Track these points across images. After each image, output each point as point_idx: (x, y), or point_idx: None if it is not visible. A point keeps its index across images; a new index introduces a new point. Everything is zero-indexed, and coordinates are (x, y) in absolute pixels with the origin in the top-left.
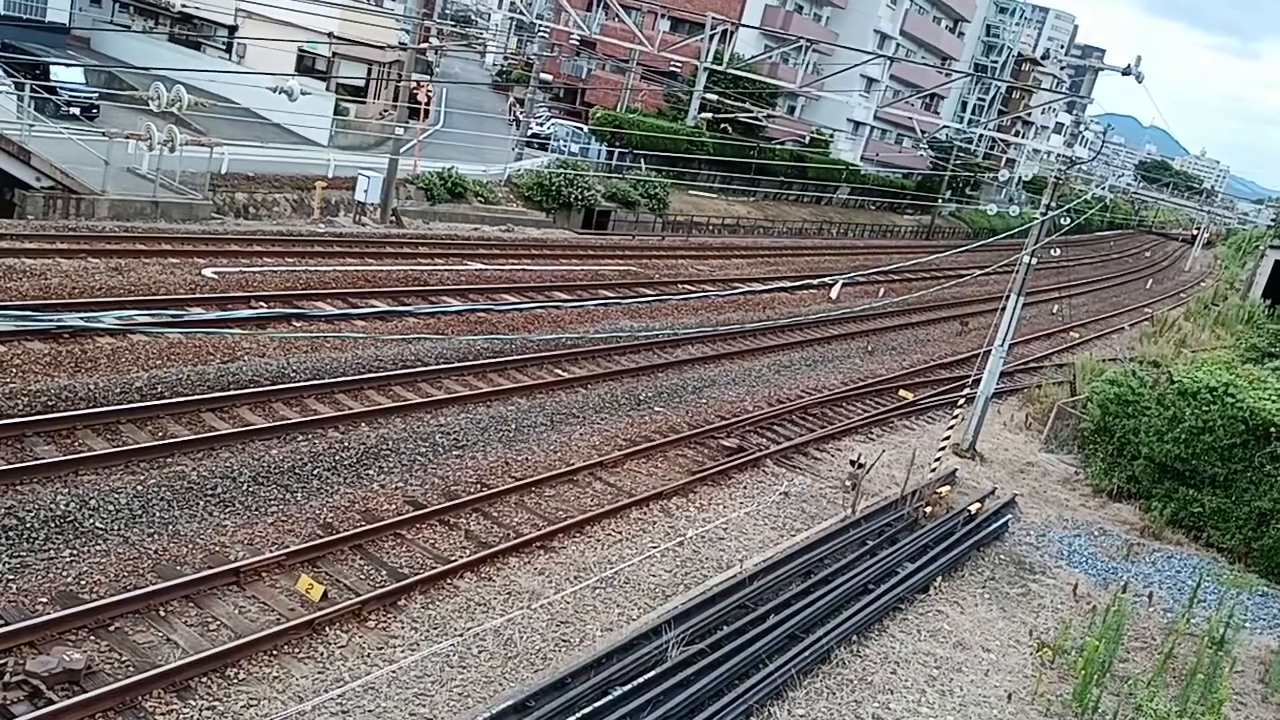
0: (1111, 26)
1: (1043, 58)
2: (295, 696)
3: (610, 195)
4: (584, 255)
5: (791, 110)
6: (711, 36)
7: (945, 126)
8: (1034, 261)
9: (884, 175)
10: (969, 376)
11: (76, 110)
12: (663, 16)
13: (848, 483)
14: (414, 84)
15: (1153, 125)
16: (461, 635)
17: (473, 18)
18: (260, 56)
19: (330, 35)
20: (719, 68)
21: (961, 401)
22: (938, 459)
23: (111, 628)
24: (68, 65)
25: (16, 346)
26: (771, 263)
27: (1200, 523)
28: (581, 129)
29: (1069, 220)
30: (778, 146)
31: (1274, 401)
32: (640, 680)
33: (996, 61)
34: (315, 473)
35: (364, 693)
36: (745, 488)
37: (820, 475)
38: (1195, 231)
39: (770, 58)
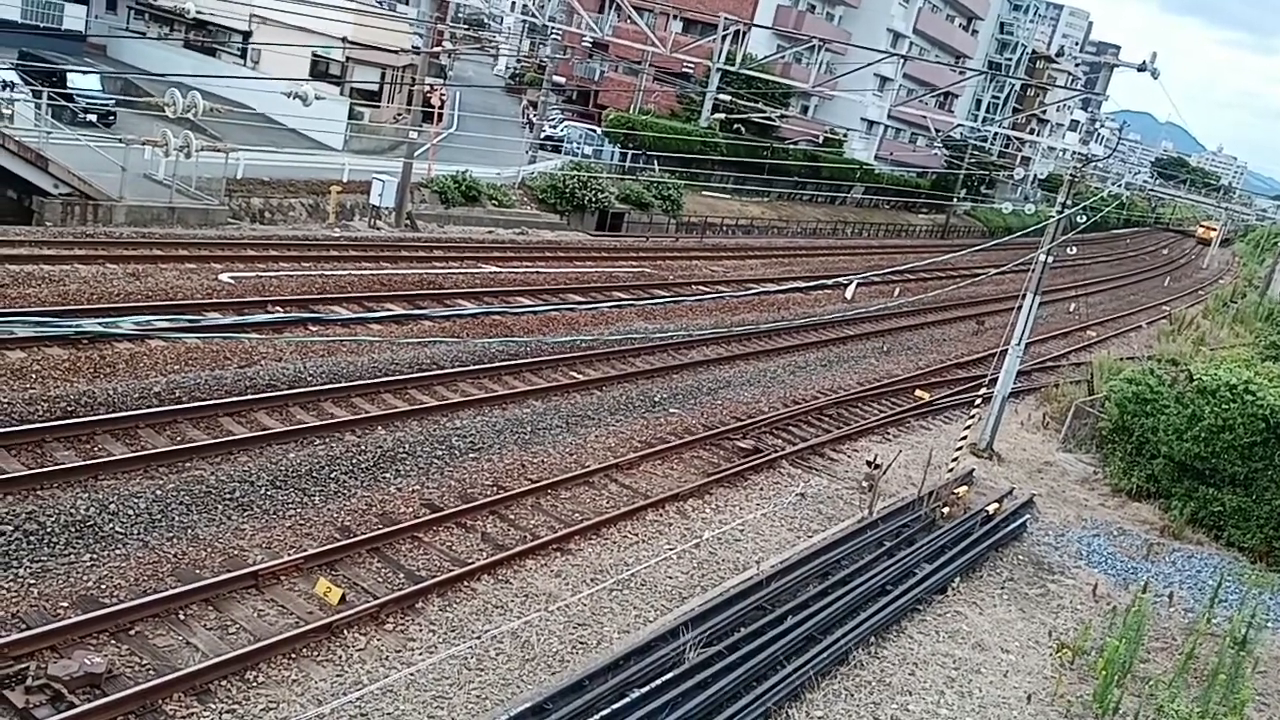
0: (1126, 23)
1: (1057, 55)
2: (314, 699)
3: (624, 197)
4: (598, 257)
5: (805, 110)
6: (724, 37)
7: (960, 125)
8: (1050, 260)
9: (898, 174)
10: (985, 376)
11: (93, 117)
12: (675, 18)
13: (864, 483)
14: (427, 88)
15: (1169, 121)
16: (479, 638)
17: (485, 21)
18: (275, 62)
19: (344, 40)
20: (732, 68)
21: (978, 401)
22: (955, 459)
23: (132, 631)
24: (84, 72)
25: (36, 352)
26: (786, 263)
27: (1221, 522)
28: (595, 131)
29: (1085, 218)
30: (791, 146)
31: None
32: (658, 682)
33: (1011, 59)
34: (332, 476)
35: (382, 695)
36: (761, 489)
37: (837, 476)
38: (1202, 229)
39: (783, 58)
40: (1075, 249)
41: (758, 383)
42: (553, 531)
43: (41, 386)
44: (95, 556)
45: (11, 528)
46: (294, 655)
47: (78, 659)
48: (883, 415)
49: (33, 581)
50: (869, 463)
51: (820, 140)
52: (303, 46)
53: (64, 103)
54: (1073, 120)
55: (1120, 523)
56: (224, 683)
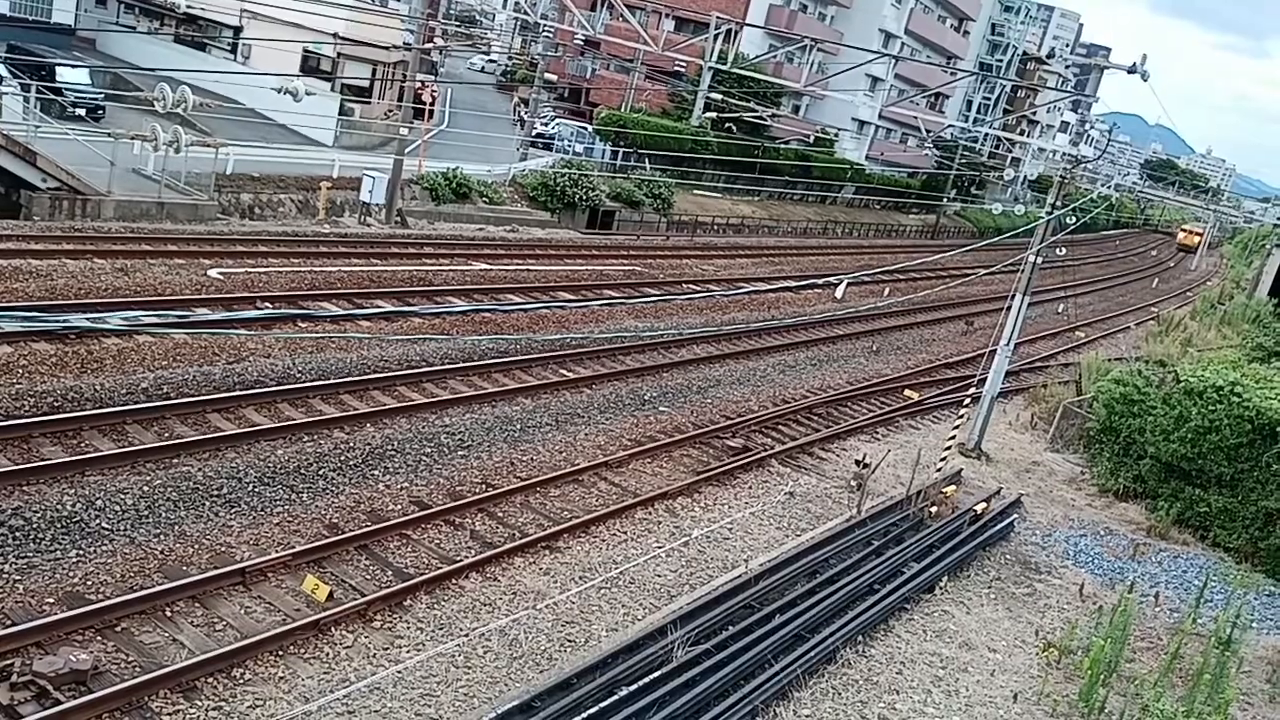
0: (1117, 25)
1: (1048, 56)
2: (301, 697)
3: (615, 195)
4: (588, 255)
5: (796, 109)
6: (716, 36)
7: (950, 126)
8: (1039, 261)
9: (889, 174)
10: (974, 376)
11: (82, 111)
12: (667, 16)
13: (853, 483)
14: (418, 84)
15: (1158, 124)
16: (467, 635)
17: (477, 18)
18: (265, 57)
19: (335, 36)
20: (723, 67)
21: (967, 401)
22: (943, 459)
23: (118, 628)
24: (73, 66)
25: (23, 347)
26: (776, 262)
27: (1207, 522)
28: (586, 129)
29: (1074, 219)
30: (782, 146)
31: None
32: (646, 680)
33: (1002, 60)
34: (321, 473)
35: (370, 693)
36: (750, 488)
37: (825, 475)
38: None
39: (775, 57)
40: (1064, 250)
41: (747, 382)
42: (541, 529)
43: (28, 381)
44: (81, 552)
45: None
46: (281, 653)
47: (63, 655)
48: (872, 415)
49: (18, 578)
50: (858, 462)
51: (811, 140)
52: (293, 42)
53: (52, 97)
54: (1063, 121)
55: (1107, 523)
56: (211, 680)
